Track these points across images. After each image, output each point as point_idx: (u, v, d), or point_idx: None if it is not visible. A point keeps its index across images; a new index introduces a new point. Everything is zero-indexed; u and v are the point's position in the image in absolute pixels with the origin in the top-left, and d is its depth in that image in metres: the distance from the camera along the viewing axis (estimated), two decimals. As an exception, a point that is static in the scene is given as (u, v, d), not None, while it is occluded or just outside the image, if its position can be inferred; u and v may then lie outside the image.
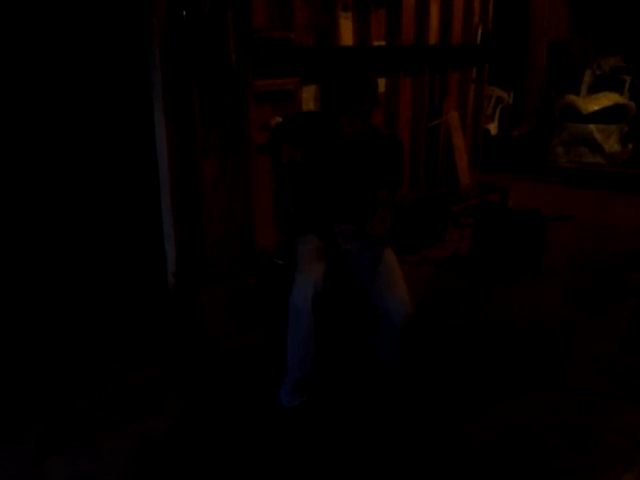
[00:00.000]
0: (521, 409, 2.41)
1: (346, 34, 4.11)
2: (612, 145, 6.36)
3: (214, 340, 2.95)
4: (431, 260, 3.97)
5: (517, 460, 2.10)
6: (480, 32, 5.90)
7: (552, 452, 2.16)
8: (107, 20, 2.87)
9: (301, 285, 2.26)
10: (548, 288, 3.62)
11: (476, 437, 2.22)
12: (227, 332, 3.01)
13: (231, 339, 2.96)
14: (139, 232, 3.13)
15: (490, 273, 3.80)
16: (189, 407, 2.43)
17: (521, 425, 2.31)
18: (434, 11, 5.10)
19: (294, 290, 2.27)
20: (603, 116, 6.37)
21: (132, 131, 3.03)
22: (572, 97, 6.72)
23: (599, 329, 3.10)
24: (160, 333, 2.96)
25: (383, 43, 4.54)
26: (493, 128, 6.82)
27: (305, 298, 2.23)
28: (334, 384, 2.52)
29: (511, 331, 3.08)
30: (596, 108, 6.40)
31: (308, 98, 3.87)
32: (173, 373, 2.69)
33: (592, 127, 6.38)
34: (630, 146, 6.50)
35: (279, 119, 3.45)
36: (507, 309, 3.33)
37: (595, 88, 7.32)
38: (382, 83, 4.56)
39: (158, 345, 2.89)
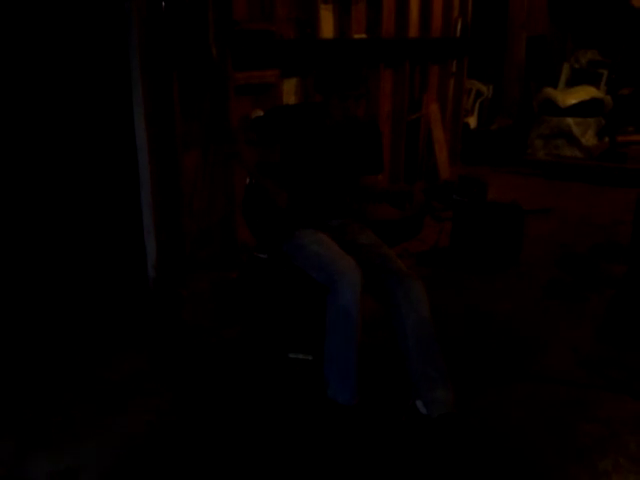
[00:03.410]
0: (501, 399, 2.44)
1: (327, 26, 4.11)
2: (589, 139, 6.45)
3: (196, 334, 2.94)
4: (412, 253, 4.00)
5: (496, 450, 2.13)
6: (460, 26, 5.94)
7: (531, 441, 2.19)
8: (84, 10, 2.83)
9: (346, 282, 2.16)
10: (527, 280, 3.67)
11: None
12: (208, 326, 3.01)
13: (213, 332, 2.96)
14: (119, 225, 3.10)
15: (470, 266, 3.84)
16: (171, 402, 2.42)
17: (501, 415, 2.34)
18: (414, 4, 5.12)
19: (339, 290, 2.15)
20: (580, 110, 6.45)
21: (111, 123, 3.00)
22: (550, 91, 6.79)
23: (577, 320, 3.15)
24: (141, 327, 2.94)
25: (364, 36, 4.55)
26: (472, 121, 6.88)
27: (355, 294, 2.15)
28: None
29: (490, 323, 3.11)
30: (574, 102, 6.48)
31: (289, 91, 3.86)
32: (155, 367, 2.67)
33: (570, 120, 6.45)
34: (606, 139, 6.59)
35: (260, 112, 3.44)
36: (486, 301, 3.37)
37: (573, 82, 7.40)
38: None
39: (139, 339, 2.87)
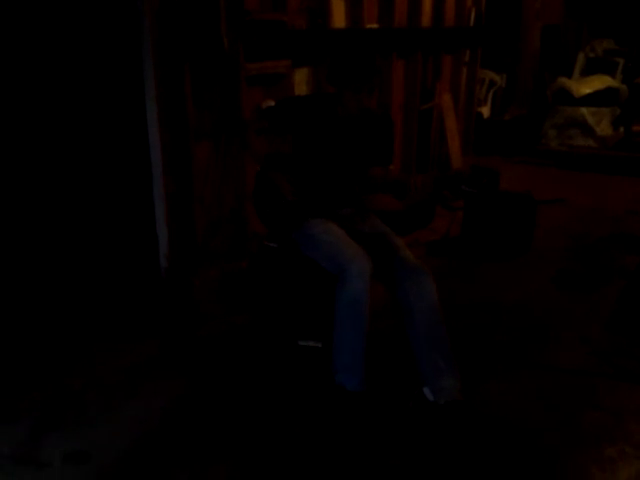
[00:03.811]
0: (508, 388, 2.46)
1: (338, 16, 4.11)
2: (604, 128, 6.38)
3: (207, 322, 2.98)
4: (423, 243, 4.00)
5: (505, 438, 2.15)
6: (473, 15, 5.89)
7: (539, 429, 2.21)
8: (96, 1, 2.86)
9: (355, 271, 2.18)
10: (537, 270, 3.66)
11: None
12: (219, 314, 3.04)
13: (223, 321, 3.00)
14: (132, 216, 3.14)
15: (481, 255, 3.84)
16: (183, 388, 2.47)
17: (508, 403, 2.35)
18: (427, -7, 5.09)
19: (349, 279, 2.18)
20: (595, 99, 6.38)
21: (123, 115, 3.03)
22: (564, 80, 6.72)
23: (587, 310, 3.15)
24: (153, 315, 2.99)
25: (376, 25, 4.54)
26: (486, 111, 6.83)
27: (364, 283, 2.18)
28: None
29: (500, 312, 3.12)
30: (588, 91, 6.41)
31: (300, 81, 3.87)
32: (166, 355, 2.72)
33: (584, 110, 6.39)
34: (622, 129, 6.53)
35: (271, 102, 3.45)
36: (497, 290, 3.38)
37: (588, 71, 7.31)
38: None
39: (152, 327, 2.92)
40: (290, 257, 2.51)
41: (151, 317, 2.98)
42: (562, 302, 3.26)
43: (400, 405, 2.29)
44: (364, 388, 2.25)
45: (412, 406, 2.24)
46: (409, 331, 2.27)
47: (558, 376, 2.55)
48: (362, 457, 2.07)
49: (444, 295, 2.30)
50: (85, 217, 3.11)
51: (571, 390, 2.45)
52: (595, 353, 2.72)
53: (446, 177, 2.20)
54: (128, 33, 2.85)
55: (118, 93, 3.01)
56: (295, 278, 2.58)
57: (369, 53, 2.32)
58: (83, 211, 3.10)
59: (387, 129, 2.49)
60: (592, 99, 6.37)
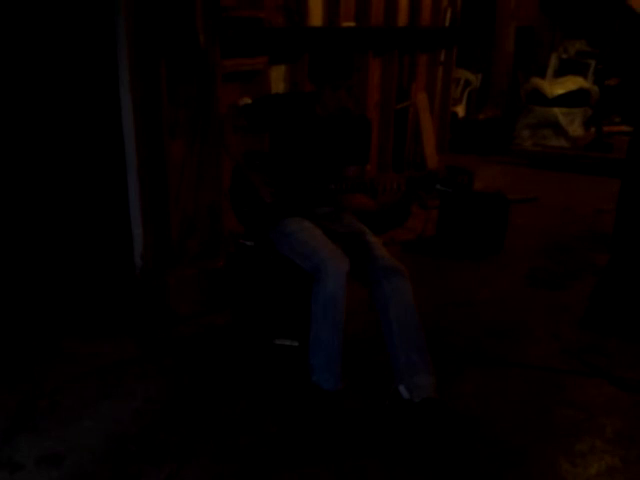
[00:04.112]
0: (481, 385, 2.49)
1: (315, 14, 4.11)
2: (576, 129, 6.50)
3: (182, 321, 2.96)
4: (398, 241, 4.03)
5: (476, 433, 2.18)
6: (449, 15, 5.94)
7: (510, 425, 2.24)
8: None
9: (331, 270, 2.19)
10: (511, 268, 3.72)
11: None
12: (195, 314, 3.03)
13: (200, 320, 2.98)
14: (106, 215, 3.10)
15: (455, 254, 3.88)
16: (158, 388, 2.45)
17: (481, 400, 2.39)
18: (403, -8, 5.12)
19: (325, 278, 2.19)
20: (568, 100, 6.49)
21: (98, 112, 2.99)
22: (538, 81, 6.82)
23: (559, 307, 3.21)
24: (129, 315, 2.96)
25: (352, 24, 4.55)
26: (461, 110, 6.90)
27: (340, 282, 2.19)
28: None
29: (474, 310, 3.16)
30: (561, 92, 6.52)
31: (277, 78, 3.86)
32: (142, 354, 2.70)
33: (557, 111, 6.49)
34: (593, 130, 6.64)
35: (248, 100, 3.44)
36: (470, 288, 3.42)
37: (560, 72, 7.44)
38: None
39: (127, 327, 2.89)
40: (266, 256, 2.51)
41: (126, 317, 2.95)
42: (534, 299, 3.32)
43: (376, 403, 2.31)
44: (340, 387, 2.26)
45: (388, 404, 2.26)
46: (385, 330, 2.28)
47: (530, 373, 2.60)
48: (338, 456, 2.08)
49: (418, 293, 2.32)
50: (59, 215, 3.06)
51: (542, 386, 2.50)
52: (566, 350, 2.77)
53: (420, 177, 2.22)
54: (103, 28, 2.81)
55: (91, 89, 2.96)
56: (271, 277, 2.58)
57: (347, 51, 2.33)
58: (56, 209, 3.05)
59: (364, 129, 2.50)
60: (565, 100, 6.48)
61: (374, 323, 2.36)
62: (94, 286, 3.06)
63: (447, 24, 5.96)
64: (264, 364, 2.59)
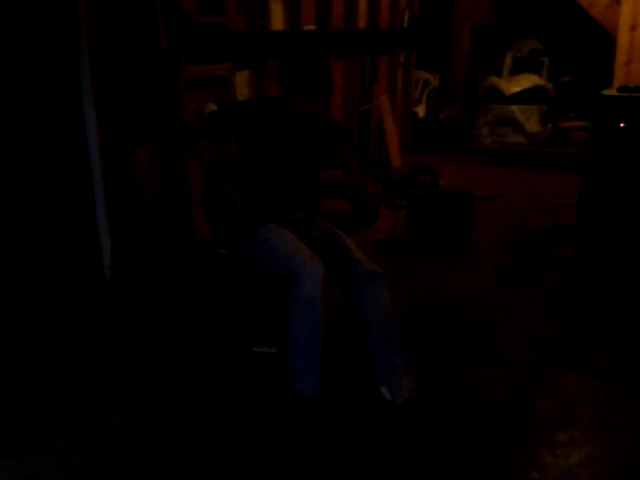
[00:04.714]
0: (459, 382, 2.52)
1: (277, 18, 4.10)
2: (533, 125, 6.65)
3: (156, 333, 2.91)
4: (369, 242, 4.06)
5: (459, 430, 2.21)
6: (407, 17, 6.01)
7: (490, 420, 2.27)
8: (29, 5, 2.73)
9: (308, 274, 2.19)
10: (480, 264, 3.78)
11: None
12: (169, 324, 2.98)
13: (174, 331, 2.93)
14: (73, 226, 3.03)
15: (424, 252, 3.93)
16: (136, 403, 2.40)
17: (461, 396, 2.41)
18: (362, -5, 5.16)
19: (302, 282, 2.19)
20: (524, 97, 6.64)
21: (60, 122, 2.91)
22: (495, 79, 6.95)
23: (528, 301, 3.27)
24: (100, 329, 2.89)
25: (313, 27, 4.55)
26: (421, 111, 6.99)
27: (317, 287, 2.18)
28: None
29: (446, 307, 3.20)
30: (517, 89, 6.66)
31: (241, 84, 3.84)
32: (117, 368, 2.64)
33: (514, 108, 6.63)
34: (549, 126, 6.82)
35: (213, 106, 3.41)
36: (441, 286, 3.46)
37: (516, 70, 7.61)
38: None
39: (100, 340, 2.82)
40: (241, 263, 2.49)
41: (98, 331, 2.88)
42: (503, 295, 3.38)
43: (359, 407, 2.31)
44: (322, 392, 2.25)
45: (371, 407, 2.27)
46: (365, 333, 2.29)
47: (505, 367, 2.64)
48: (323, 462, 2.07)
49: (391, 293, 2.34)
50: (21, 231, 2.96)
51: (519, 380, 2.54)
52: (539, 343, 2.83)
53: (395, 182, 2.24)
54: (63, 38, 2.74)
55: (54, 99, 2.88)
56: (247, 284, 2.56)
57: (321, 60, 2.32)
58: (18, 225, 2.96)
59: (336, 133, 2.51)
60: (521, 97, 6.62)
61: (352, 325, 2.37)
62: (62, 301, 2.98)
63: (405, 26, 6.03)
64: (243, 373, 2.57)
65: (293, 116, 2.39)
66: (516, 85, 6.71)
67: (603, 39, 6.09)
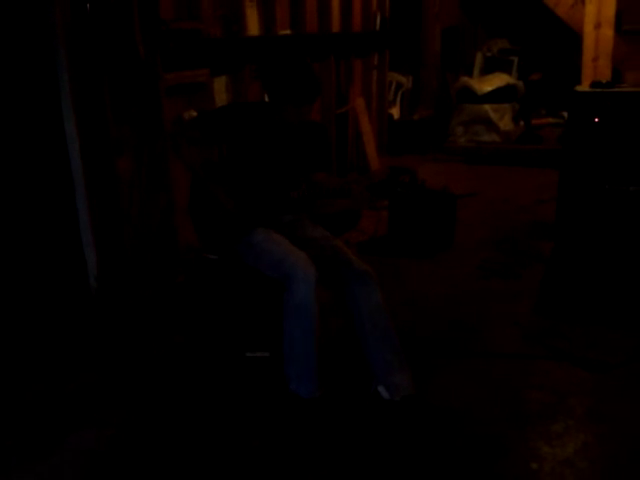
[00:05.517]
0: (453, 379, 2.54)
1: (252, 23, 4.11)
2: (506, 123, 6.75)
3: (144, 342, 2.87)
4: (353, 243, 4.07)
5: (456, 425, 2.22)
6: (379, 19, 6.07)
7: (486, 414, 2.30)
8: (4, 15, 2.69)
9: (300, 277, 2.18)
10: (463, 262, 3.82)
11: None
12: (158, 333, 2.95)
13: (163, 340, 2.90)
14: (56, 237, 2.98)
15: (408, 252, 3.95)
16: (129, 414, 2.36)
17: (456, 392, 2.43)
18: (335, -1, 5.19)
19: (295, 285, 2.18)
20: (496, 96, 6.73)
21: (40, 133, 2.86)
22: (467, 79, 7.05)
23: (514, 295, 3.31)
24: (88, 339, 2.84)
25: (288, 32, 4.57)
26: (396, 112, 7.04)
27: (310, 289, 2.18)
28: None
29: (433, 305, 3.22)
30: (490, 89, 6.75)
31: (220, 89, 3.83)
32: (106, 379, 2.59)
33: (487, 107, 6.72)
34: (522, 123, 6.93)
35: (193, 112, 3.39)
36: (426, 285, 3.49)
37: (486, 69, 7.72)
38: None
39: (87, 351, 2.77)
40: (232, 268, 2.48)
41: (86, 340, 2.83)
42: (489, 290, 3.41)
43: (357, 407, 2.31)
44: (319, 394, 2.25)
45: (369, 406, 2.27)
46: (359, 333, 2.30)
47: (496, 362, 2.67)
48: (323, 464, 2.07)
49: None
50: (2, 242, 2.91)
51: (511, 374, 2.57)
52: (527, 336, 2.87)
53: (377, 184, 2.25)
54: (40, 47, 2.70)
55: (32, 109, 2.84)
56: (239, 289, 2.55)
57: (308, 66, 2.29)
58: None
59: (322, 135, 2.52)
60: (493, 96, 6.72)
61: (346, 325, 2.37)
62: (49, 313, 2.93)
63: (377, 28, 6.08)
64: (237, 378, 2.55)
65: (281, 120, 2.36)
66: (488, 84, 6.81)
67: (570, 37, 6.22)
